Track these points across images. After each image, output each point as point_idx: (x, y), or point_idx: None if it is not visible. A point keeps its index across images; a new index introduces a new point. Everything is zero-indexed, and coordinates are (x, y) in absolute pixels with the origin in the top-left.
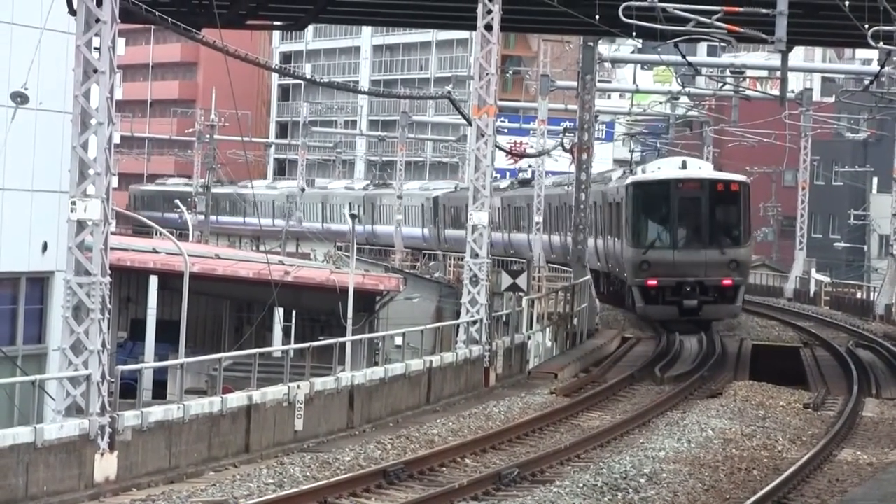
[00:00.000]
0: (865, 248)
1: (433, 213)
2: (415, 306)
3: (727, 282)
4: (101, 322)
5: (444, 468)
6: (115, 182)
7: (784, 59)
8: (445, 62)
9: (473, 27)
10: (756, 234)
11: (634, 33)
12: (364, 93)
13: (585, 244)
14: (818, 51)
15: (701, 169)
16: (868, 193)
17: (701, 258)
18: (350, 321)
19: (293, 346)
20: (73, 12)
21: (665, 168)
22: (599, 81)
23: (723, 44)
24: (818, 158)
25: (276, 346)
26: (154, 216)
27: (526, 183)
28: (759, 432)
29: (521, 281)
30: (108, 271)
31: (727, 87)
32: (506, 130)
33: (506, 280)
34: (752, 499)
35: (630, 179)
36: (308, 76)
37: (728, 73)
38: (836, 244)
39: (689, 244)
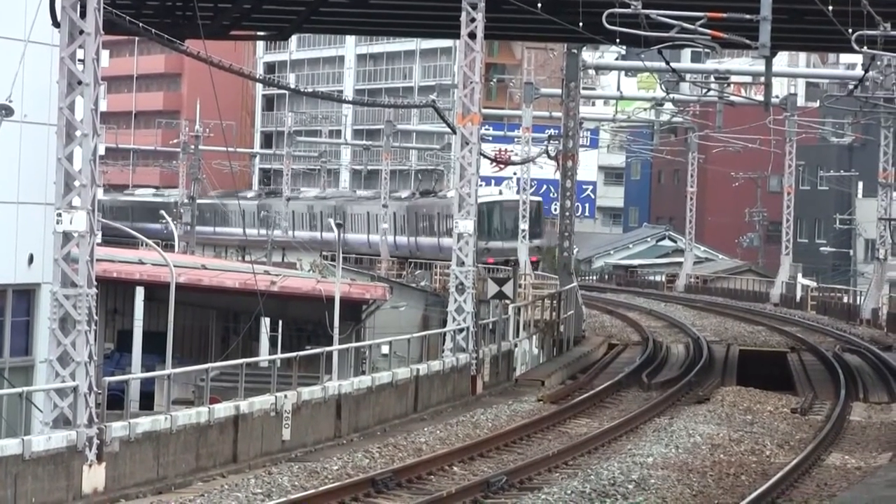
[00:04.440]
0: (851, 252)
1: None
2: (401, 315)
3: (534, 258)
4: (87, 333)
5: (433, 476)
6: (100, 193)
7: (768, 65)
8: (429, 71)
9: (457, 35)
10: (742, 239)
11: (618, 40)
12: (348, 102)
13: (571, 251)
14: (802, 56)
15: (504, 193)
16: (853, 198)
17: (513, 245)
18: (336, 330)
19: (280, 355)
20: (56, 24)
21: (489, 193)
22: (583, 88)
23: (707, 50)
24: (803, 163)
25: (263, 356)
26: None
27: (427, 193)
28: (746, 437)
29: (508, 289)
30: (95, 283)
31: (711, 92)
32: (490, 138)
33: (492, 288)
34: None
35: None
36: (292, 86)
37: (712, 78)
38: (822, 249)
39: (511, 237)
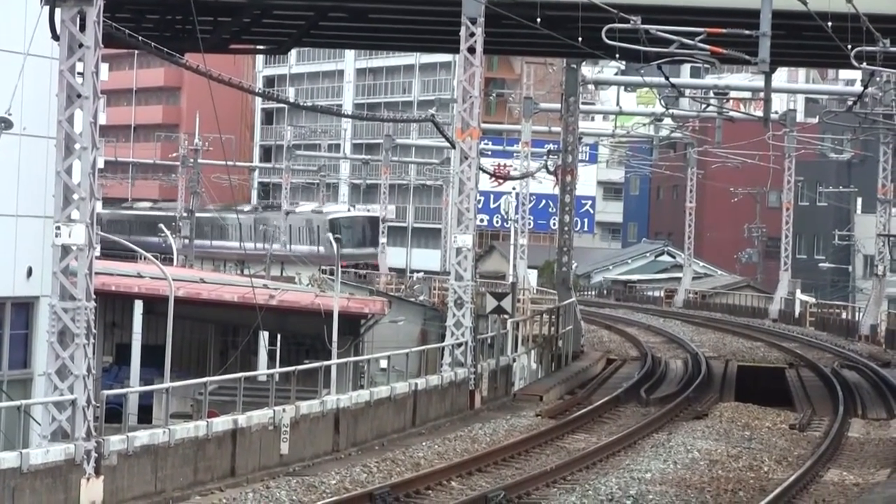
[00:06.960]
0: (850, 268)
1: None
2: (400, 329)
3: (375, 262)
4: (86, 347)
5: (430, 491)
6: (99, 206)
7: (767, 80)
8: (429, 85)
9: (456, 50)
10: (741, 255)
11: (618, 55)
12: (348, 116)
13: (570, 266)
14: (801, 71)
15: (352, 211)
16: (852, 214)
17: (363, 251)
18: (335, 344)
19: (278, 369)
20: (56, 37)
21: (339, 210)
22: (583, 103)
23: (706, 65)
24: (802, 179)
25: (262, 370)
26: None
27: (268, 208)
28: (744, 453)
29: (506, 303)
30: (93, 296)
31: (711, 108)
32: (489, 153)
33: (491, 302)
34: None
35: (329, 216)
36: (291, 100)
37: (711, 94)
38: (820, 265)
39: (358, 245)
